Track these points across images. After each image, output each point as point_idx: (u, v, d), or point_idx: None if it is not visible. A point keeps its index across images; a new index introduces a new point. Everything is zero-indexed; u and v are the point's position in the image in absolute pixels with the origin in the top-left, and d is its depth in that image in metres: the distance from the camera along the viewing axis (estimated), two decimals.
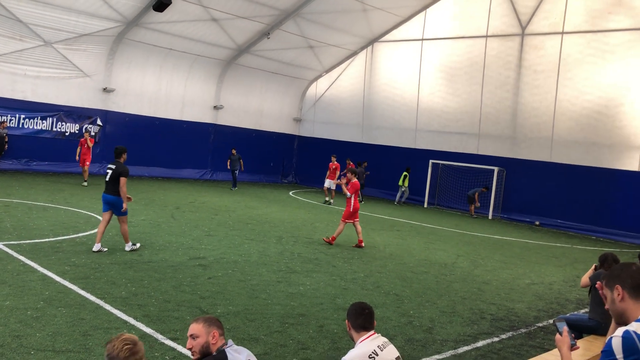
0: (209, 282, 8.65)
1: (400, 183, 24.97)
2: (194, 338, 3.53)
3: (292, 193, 25.57)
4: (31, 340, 5.75)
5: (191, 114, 26.93)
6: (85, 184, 19.52)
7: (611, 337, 2.82)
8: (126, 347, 2.95)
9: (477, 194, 23.05)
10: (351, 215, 13.04)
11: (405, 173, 24.92)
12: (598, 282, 3.15)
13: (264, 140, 29.69)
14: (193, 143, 26.69)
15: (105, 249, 10.00)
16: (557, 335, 3.27)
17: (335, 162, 23.03)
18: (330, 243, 12.98)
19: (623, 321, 2.97)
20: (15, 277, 7.81)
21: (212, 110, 27.80)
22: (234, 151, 24.51)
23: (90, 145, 20.02)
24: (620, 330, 2.83)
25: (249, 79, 28.64)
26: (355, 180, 13.16)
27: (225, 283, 8.66)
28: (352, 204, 12.98)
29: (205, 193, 21.36)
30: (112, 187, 9.87)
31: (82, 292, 7.44)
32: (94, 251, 9.78)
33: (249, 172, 29.00)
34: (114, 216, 10.08)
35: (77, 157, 20.13)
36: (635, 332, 2.78)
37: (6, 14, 19.81)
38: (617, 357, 2.76)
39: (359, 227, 13.23)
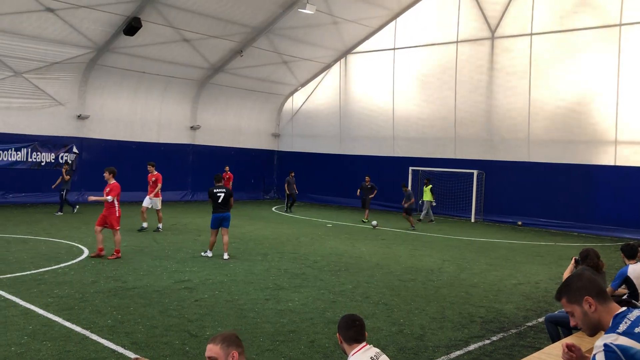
0: (195, 304, 8.54)
1: (424, 198, 22.96)
2: None
3: (275, 209, 25.48)
4: None
5: (168, 136, 26.79)
6: None
7: (594, 355, 2.73)
8: None
9: (412, 200, 20.34)
10: (118, 221, 12.14)
11: (425, 187, 23.13)
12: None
13: (243, 158, 29.60)
14: (172, 165, 26.50)
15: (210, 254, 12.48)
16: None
17: (229, 173, 24.87)
18: (105, 256, 11.95)
19: (597, 331, 2.92)
20: None
21: (189, 131, 27.68)
22: (292, 174, 25.30)
23: None
24: (600, 346, 2.74)
25: (225, 98, 28.61)
26: (114, 182, 12.11)
27: (212, 304, 8.57)
28: (117, 208, 12.04)
29: (187, 214, 21.17)
30: (225, 206, 12.44)
31: (67, 324, 7.29)
32: (205, 256, 12.40)
33: None
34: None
35: None
36: (613, 344, 2.71)
37: None
38: None
39: (99, 236, 12.07)
